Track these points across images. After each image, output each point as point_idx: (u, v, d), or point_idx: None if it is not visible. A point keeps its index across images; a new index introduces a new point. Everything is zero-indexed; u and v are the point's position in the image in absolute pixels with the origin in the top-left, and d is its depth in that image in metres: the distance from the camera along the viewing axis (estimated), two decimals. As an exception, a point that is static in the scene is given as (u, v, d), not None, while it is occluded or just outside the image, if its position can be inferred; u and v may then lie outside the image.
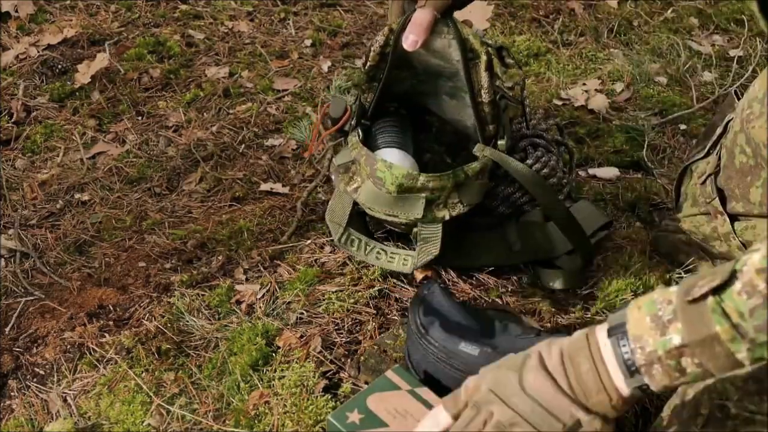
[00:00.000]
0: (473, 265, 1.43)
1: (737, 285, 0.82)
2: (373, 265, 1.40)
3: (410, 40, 1.29)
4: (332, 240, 1.47)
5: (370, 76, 1.37)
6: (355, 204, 1.36)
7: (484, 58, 1.29)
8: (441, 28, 1.29)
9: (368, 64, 1.35)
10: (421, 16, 1.28)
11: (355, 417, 1.09)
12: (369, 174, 1.30)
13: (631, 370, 0.87)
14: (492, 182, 1.41)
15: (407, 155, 1.39)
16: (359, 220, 1.41)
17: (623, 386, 0.88)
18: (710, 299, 0.83)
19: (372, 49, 1.34)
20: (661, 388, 0.88)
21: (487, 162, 1.34)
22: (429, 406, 1.08)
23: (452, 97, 1.43)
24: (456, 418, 0.95)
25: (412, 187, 1.28)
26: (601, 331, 0.91)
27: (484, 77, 1.30)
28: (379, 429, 1.09)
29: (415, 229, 1.33)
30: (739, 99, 1.38)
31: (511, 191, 1.45)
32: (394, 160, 1.32)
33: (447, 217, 1.31)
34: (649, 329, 0.86)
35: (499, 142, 1.35)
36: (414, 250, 1.35)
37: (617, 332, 0.88)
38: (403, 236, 1.43)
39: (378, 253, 1.37)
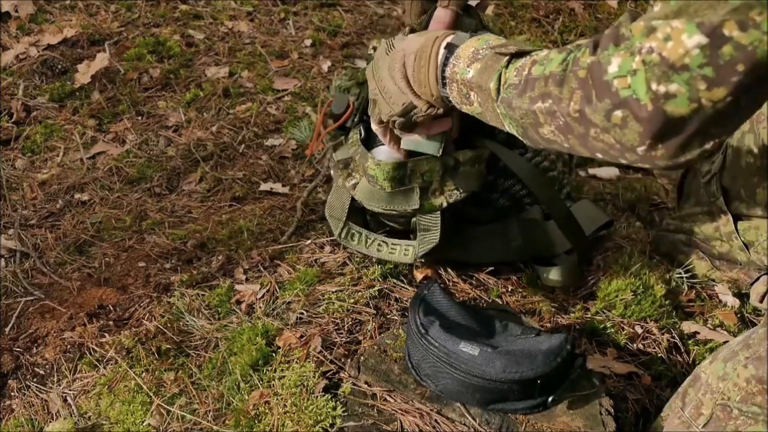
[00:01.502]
0: (473, 259, 1.42)
1: (521, 61, 0.90)
2: (373, 264, 1.40)
3: None
4: (332, 240, 1.47)
5: None
6: (354, 199, 1.36)
7: None
8: (467, 22, 1.31)
9: None
10: (443, 14, 1.29)
11: None
12: (364, 171, 1.31)
13: (443, 81, 1.02)
14: (492, 176, 1.41)
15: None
16: (358, 214, 1.41)
17: (435, 88, 1.04)
18: (505, 59, 0.92)
19: None
20: (458, 106, 1.04)
21: (483, 151, 1.33)
22: None
23: None
24: None
25: (404, 177, 1.28)
26: (446, 40, 1.04)
27: None
28: None
29: (414, 220, 1.33)
30: None
31: (510, 183, 1.45)
32: (383, 158, 1.32)
33: (444, 204, 1.31)
34: (466, 57, 0.98)
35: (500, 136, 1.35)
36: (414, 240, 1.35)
37: (453, 48, 1.02)
38: (403, 234, 1.42)
39: (379, 245, 1.37)
